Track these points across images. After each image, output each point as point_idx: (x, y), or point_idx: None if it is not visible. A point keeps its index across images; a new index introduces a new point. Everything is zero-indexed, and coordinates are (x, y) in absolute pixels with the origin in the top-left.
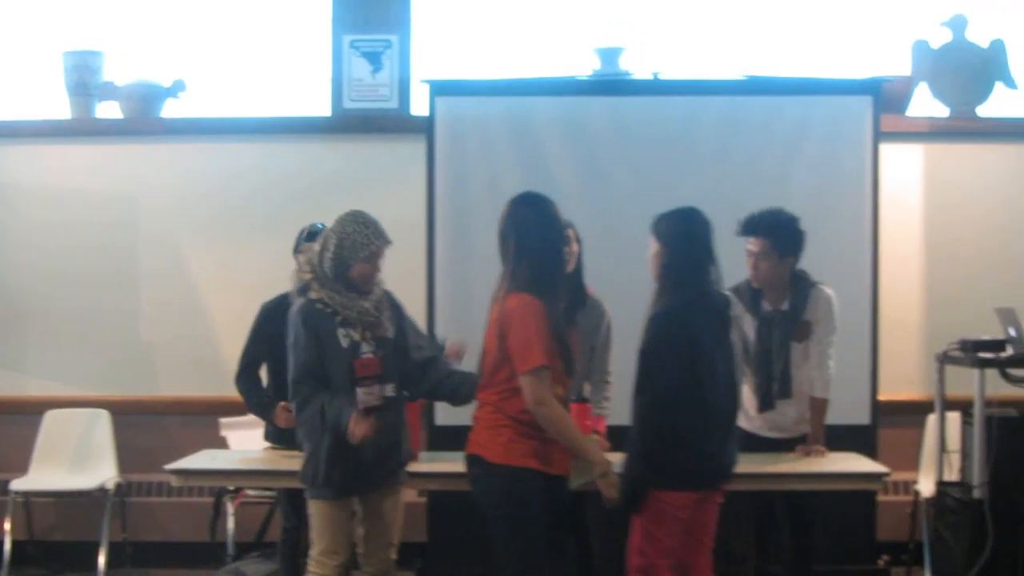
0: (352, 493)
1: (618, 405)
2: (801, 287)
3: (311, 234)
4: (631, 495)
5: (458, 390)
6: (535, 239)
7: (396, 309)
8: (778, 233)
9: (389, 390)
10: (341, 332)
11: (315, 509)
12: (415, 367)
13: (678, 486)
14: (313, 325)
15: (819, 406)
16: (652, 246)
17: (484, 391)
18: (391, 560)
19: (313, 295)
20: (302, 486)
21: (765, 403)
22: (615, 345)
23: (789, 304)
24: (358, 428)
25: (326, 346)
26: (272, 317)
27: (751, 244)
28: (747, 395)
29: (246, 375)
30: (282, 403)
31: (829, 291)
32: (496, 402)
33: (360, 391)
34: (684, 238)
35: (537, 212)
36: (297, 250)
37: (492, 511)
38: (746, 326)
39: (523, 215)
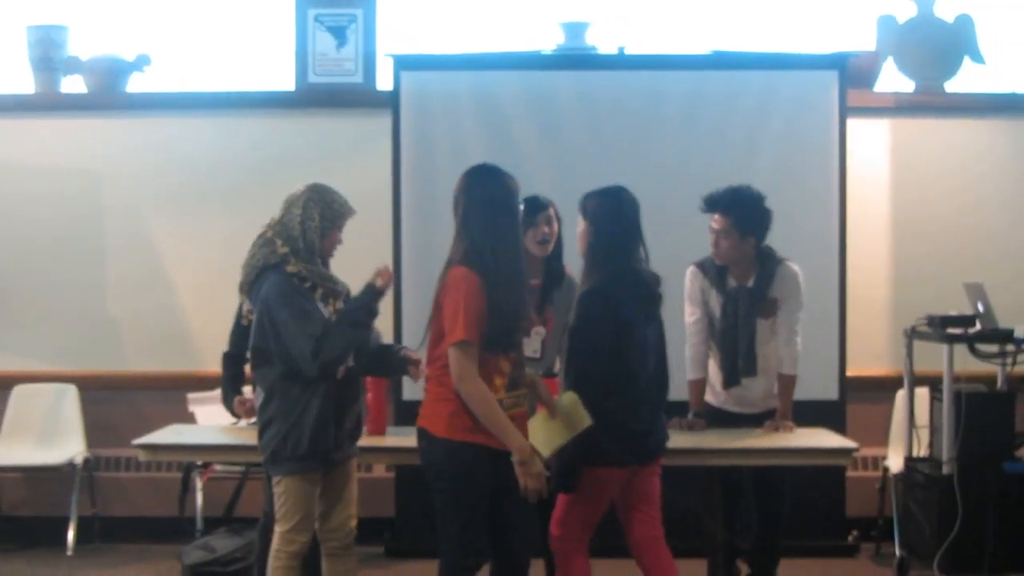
0: (329, 464)
1: None
2: (767, 264)
3: None
4: (564, 473)
5: (390, 365)
6: (477, 214)
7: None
8: (739, 211)
9: (350, 361)
10: (319, 305)
11: (289, 486)
12: None
13: (606, 462)
14: (303, 299)
15: (787, 383)
16: (579, 224)
17: (429, 365)
18: (354, 532)
19: (291, 269)
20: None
21: (731, 379)
22: None
23: (754, 281)
24: (382, 277)
25: (320, 317)
26: None
27: (713, 221)
28: (713, 370)
29: (229, 358)
30: (238, 397)
31: (795, 268)
32: (439, 376)
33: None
34: (611, 216)
35: (485, 186)
36: None
37: (434, 483)
38: (711, 302)
39: (470, 188)
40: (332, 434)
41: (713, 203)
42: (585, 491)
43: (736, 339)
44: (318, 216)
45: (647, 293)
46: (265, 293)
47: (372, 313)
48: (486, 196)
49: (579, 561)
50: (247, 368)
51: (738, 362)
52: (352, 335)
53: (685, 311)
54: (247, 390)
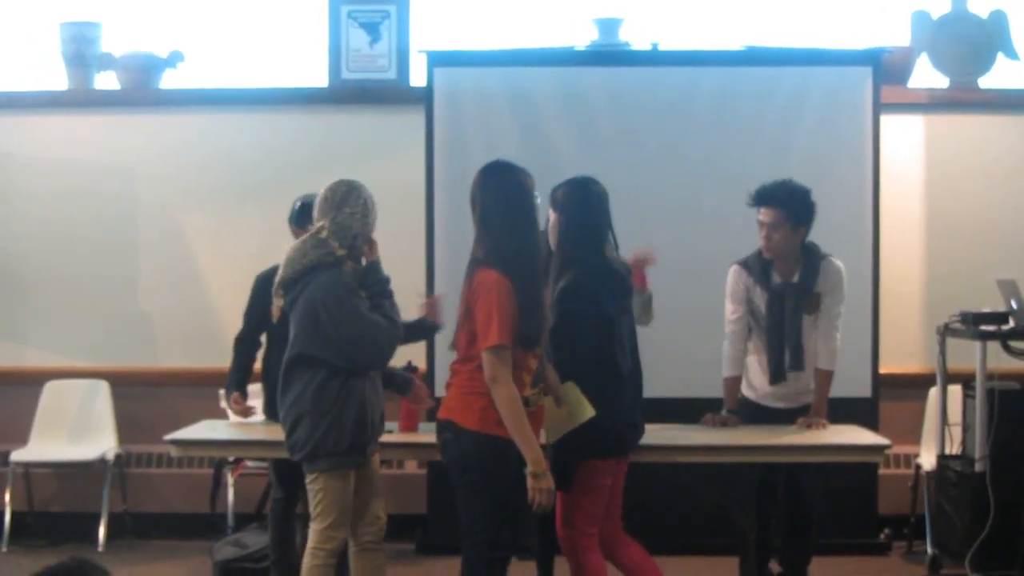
0: (364, 458)
1: None
2: (812, 259)
3: (305, 207)
4: (562, 471)
5: (393, 381)
6: (496, 213)
7: None
8: (791, 203)
9: None
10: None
11: (327, 483)
12: None
13: (600, 454)
14: (355, 295)
15: (824, 378)
16: (550, 216)
17: (462, 363)
18: (383, 527)
19: (349, 268)
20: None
21: (777, 375)
22: None
23: (800, 276)
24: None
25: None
26: (267, 288)
27: (763, 215)
28: (756, 368)
29: (241, 346)
30: (235, 394)
31: (839, 263)
32: (471, 372)
33: None
34: (582, 207)
35: (500, 184)
36: (298, 224)
37: (461, 476)
38: (756, 299)
39: (486, 186)
40: (369, 430)
41: (764, 195)
42: (581, 486)
43: (783, 335)
44: (372, 218)
45: (621, 285)
46: (323, 292)
47: (391, 296)
48: (503, 195)
49: (592, 557)
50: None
51: (784, 357)
52: (398, 322)
53: (727, 309)
54: (252, 388)
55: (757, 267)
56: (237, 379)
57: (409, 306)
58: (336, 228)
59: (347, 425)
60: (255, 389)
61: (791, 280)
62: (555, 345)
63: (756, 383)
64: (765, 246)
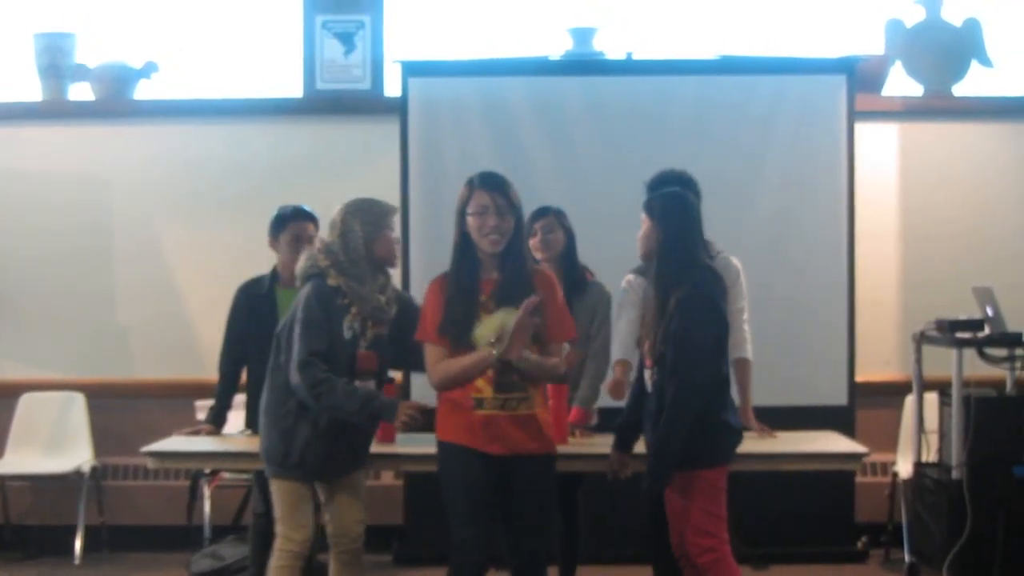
0: (319, 479)
1: None
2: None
3: (280, 218)
4: (665, 475)
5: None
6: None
7: (404, 307)
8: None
9: (373, 387)
10: (346, 323)
11: (278, 487)
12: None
13: (722, 461)
14: (328, 309)
15: (744, 368)
16: (644, 224)
17: None
18: (361, 537)
19: (331, 282)
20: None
21: None
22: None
23: None
24: (403, 413)
25: (333, 334)
26: (248, 299)
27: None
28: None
29: (225, 363)
30: (208, 427)
31: (735, 261)
32: None
33: (356, 383)
34: (683, 216)
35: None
36: (273, 234)
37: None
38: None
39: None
40: (325, 455)
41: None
42: (709, 493)
43: None
44: (359, 225)
45: (723, 291)
46: (298, 298)
47: (373, 419)
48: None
49: (733, 565)
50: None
51: None
52: (345, 410)
53: (625, 321)
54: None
55: (649, 270)
56: (219, 408)
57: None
58: (325, 246)
59: (299, 440)
60: (240, 400)
61: None
62: (679, 354)
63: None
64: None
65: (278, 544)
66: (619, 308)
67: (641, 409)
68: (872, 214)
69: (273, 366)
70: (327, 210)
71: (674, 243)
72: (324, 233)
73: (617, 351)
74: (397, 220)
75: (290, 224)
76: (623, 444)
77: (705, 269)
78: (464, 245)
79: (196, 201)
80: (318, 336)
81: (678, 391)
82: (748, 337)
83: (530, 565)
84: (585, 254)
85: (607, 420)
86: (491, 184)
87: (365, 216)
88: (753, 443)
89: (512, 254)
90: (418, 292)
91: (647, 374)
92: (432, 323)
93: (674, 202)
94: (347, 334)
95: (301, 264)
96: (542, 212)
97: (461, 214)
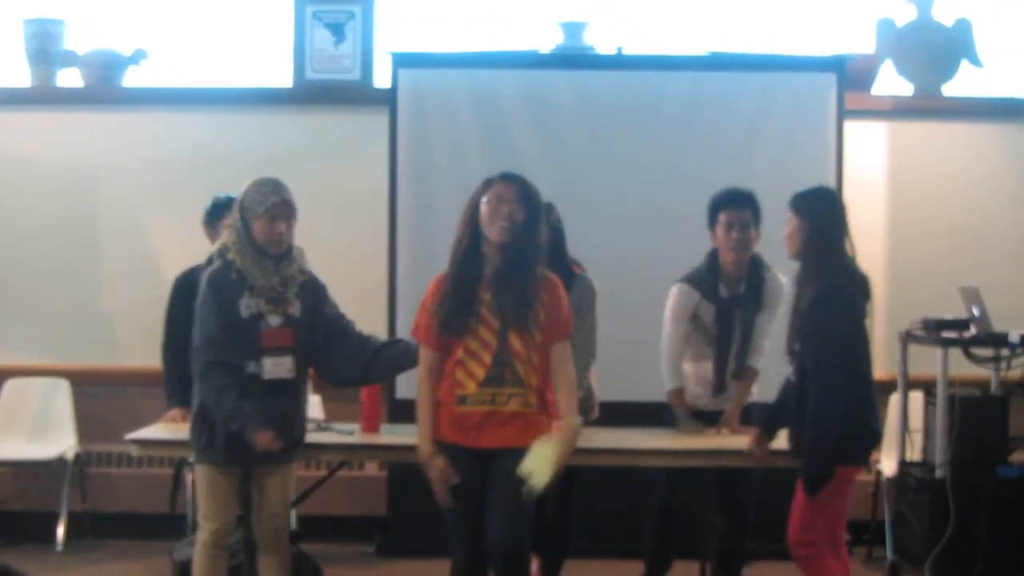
0: (237, 461)
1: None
2: (757, 271)
3: (217, 206)
4: (819, 475)
5: (405, 353)
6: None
7: (315, 292)
8: (756, 205)
9: (291, 365)
10: (244, 302)
11: (200, 473)
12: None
13: (857, 460)
14: (219, 291)
15: (751, 375)
16: (791, 223)
17: None
18: (280, 528)
19: (230, 255)
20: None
21: (720, 387)
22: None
23: (746, 288)
24: (263, 440)
25: (228, 314)
26: (188, 288)
27: (739, 216)
28: (691, 378)
29: (167, 354)
30: (178, 410)
31: (783, 278)
32: None
33: (268, 361)
34: (831, 215)
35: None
36: (210, 223)
37: None
38: (703, 312)
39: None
40: (245, 432)
41: (740, 197)
42: (834, 490)
43: (729, 347)
44: (238, 207)
45: (865, 291)
46: (201, 279)
47: (224, 421)
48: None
49: (833, 564)
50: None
51: (727, 369)
52: (215, 411)
53: (668, 326)
54: None
55: (705, 283)
56: (177, 389)
57: None
58: (232, 223)
59: (216, 422)
60: None
61: (738, 292)
62: (820, 353)
63: (690, 392)
64: (740, 247)
65: (199, 532)
66: (668, 321)
67: (788, 399)
68: (860, 213)
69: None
70: (315, 200)
71: (817, 241)
72: (186, 211)
73: (669, 375)
74: (289, 210)
75: (228, 214)
76: (768, 430)
77: (842, 268)
78: (472, 238)
79: (183, 189)
80: (210, 318)
81: (819, 394)
82: (763, 351)
83: (502, 559)
84: (574, 247)
85: (608, 415)
86: (512, 177)
87: (245, 199)
88: (735, 440)
89: (515, 247)
90: (405, 281)
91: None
92: (426, 324)
93: (823, 199)
94: (244, 312)
95: (220, 239)
96: None
97: (474, 206)
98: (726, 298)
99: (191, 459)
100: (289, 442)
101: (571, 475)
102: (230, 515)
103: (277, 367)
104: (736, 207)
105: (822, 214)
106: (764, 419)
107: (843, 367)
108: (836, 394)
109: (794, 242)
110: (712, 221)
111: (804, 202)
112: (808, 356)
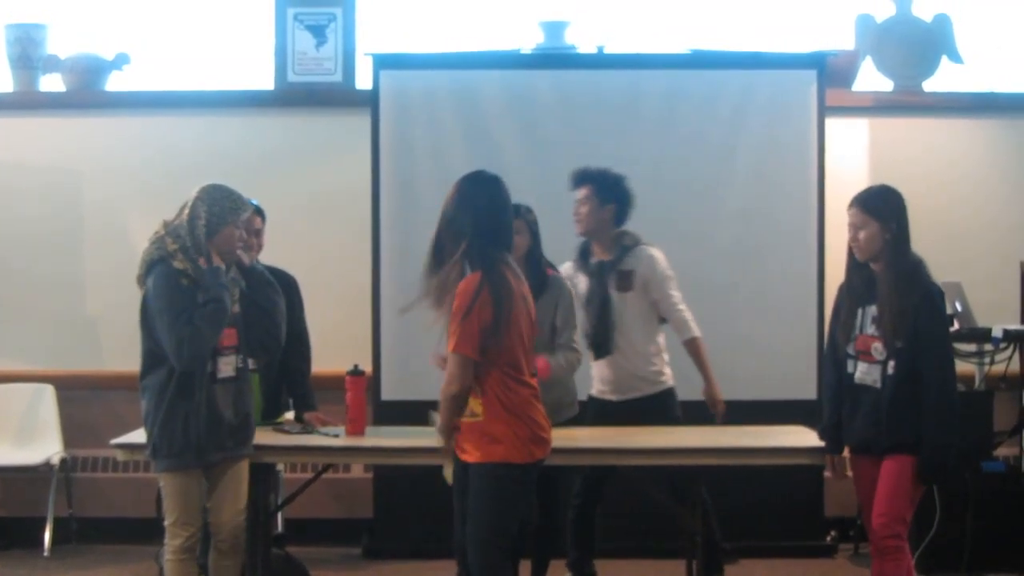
0: (205, 460)
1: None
2: (625, 241)
3: None
4: (954, 475)
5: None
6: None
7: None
8: (600, 180)
9: (240, 362)
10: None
11: (167, 481)
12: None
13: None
14: (172, 295)
15: (695, 346)
16: (869, 226)
17: None
18: (239, 529)
19: (178, 265)
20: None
21: (603, 348)
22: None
23: (613, 255)
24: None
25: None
26: None
27: (578, 194)
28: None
29: None
30: None
31: (652, 250)
32: None
33: (220, 361)
34: (904, 213)
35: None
36: None
37: None
38: (580, 283)
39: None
40: (207, 432)
41: (578, 177)
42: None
43: (605, 309)
44: (204, 214)
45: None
46: (153, 285)
47: (221, 303)
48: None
49: (910, 558)
50: None
51: (607, 330)
52: (208, 329)
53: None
54: None
55: (577, 252)
56: None
57: None
58: (171, 228)
59: (178, 426)
60: None
61: (605, 259)
62: (940, 348)
63: (593, 372)
64: (576, 222)
65: (167, 539)
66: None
67: (842, 406)
68: (842, 209)
69: (151, 356)
70: (298, 202)
71: (903, 241)
72: (170, 215)
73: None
74: (253, 218)
75: None
76: (835, 447)
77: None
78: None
79: (167, 193)
80: (182, 319)
81: (942, 387)
82: (689, 317)
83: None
84: (553, 248)
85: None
86: None
87: (213, 206)
88: (721, 438)
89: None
90: (389, 282)
91: (859, 367)
92: (476, 338)
93: (898, 199)
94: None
95: (148, 248)
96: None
97: None
98: (595, 263)
99: (155, 469)
100: (245, 436)
101: (554, 479)
102: (201, 519)
103: (227, 366)
104: (573, 186)
105: (902, 214)
106: (829, 438)
107: (953, 366)
108: (955, 393)
109: (874, 244)
110: None
111: (880, 204)
112: (923, 353)
